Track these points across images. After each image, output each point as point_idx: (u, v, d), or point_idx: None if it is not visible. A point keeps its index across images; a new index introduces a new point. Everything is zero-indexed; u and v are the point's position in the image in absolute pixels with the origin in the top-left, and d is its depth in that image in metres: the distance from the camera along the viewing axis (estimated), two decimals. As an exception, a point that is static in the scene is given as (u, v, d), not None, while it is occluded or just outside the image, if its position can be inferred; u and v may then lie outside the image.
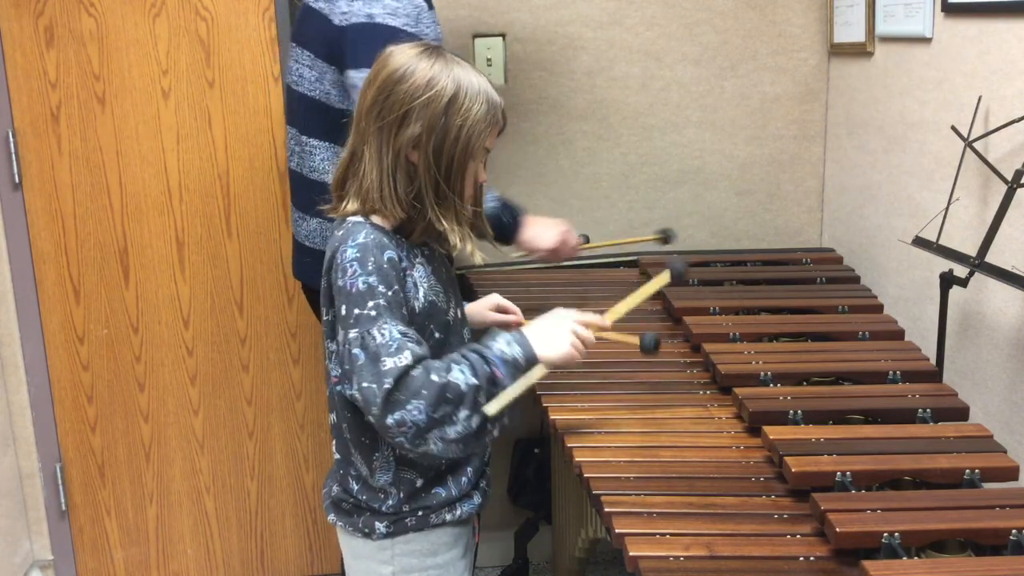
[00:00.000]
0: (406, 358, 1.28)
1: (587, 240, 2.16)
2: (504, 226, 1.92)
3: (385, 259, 1.33)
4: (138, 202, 2.48)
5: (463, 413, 1.30)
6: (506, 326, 1.62)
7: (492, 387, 1.33)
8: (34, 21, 2.37)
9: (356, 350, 1.29)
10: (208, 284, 2.55)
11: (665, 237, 2.24)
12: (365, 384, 1.28)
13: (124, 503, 2.64)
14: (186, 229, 2.51)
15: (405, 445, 1.30)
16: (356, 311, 1.30)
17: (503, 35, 2.46)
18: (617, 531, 1.29)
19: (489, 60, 2.46)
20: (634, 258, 2.39)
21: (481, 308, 1.66)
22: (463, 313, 1.54)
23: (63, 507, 2.61)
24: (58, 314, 2.51)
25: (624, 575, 1.33)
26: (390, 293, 1.32)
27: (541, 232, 1.98)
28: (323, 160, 1.95)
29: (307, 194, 2.02)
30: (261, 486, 2.68)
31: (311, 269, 2.08)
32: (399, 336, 1.29)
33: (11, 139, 2.41)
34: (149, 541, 2.67)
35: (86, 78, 2.41)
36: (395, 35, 1.76)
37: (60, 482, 2.59)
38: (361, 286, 1.31)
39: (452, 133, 1.34)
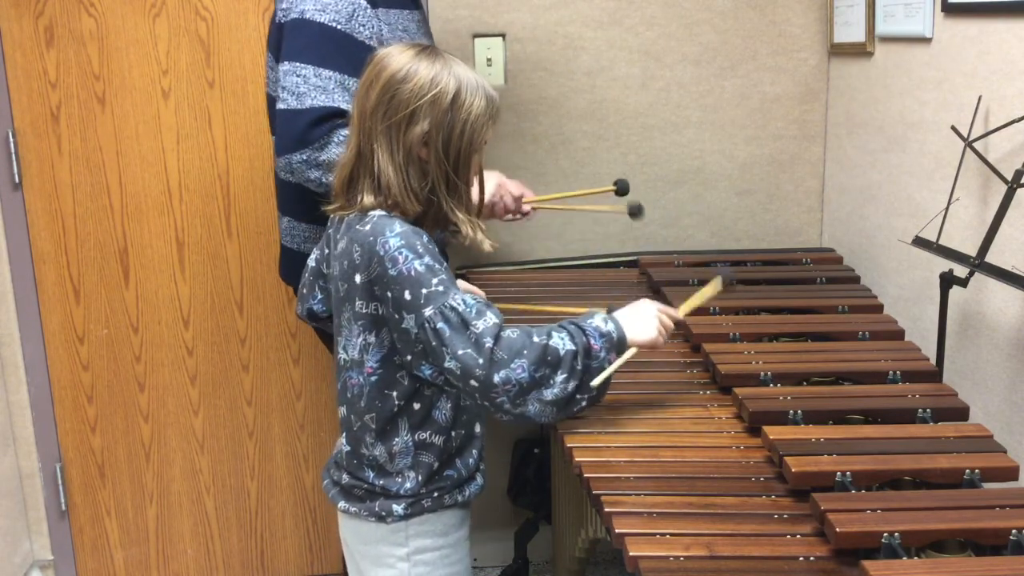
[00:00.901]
0: (492, 317, 1.37)
1: (636, 213, 2.12)
2: None
3: (425, 240, 1.39)
4: (138, 202, 2.48)
5: (561, 376, 1.38)
6: None
7: (587, 357, 1.41)
8: (34, 21, 2.37)
9: (440, 324, 1.35)
10: (208, 284, 2.55)
11: (633, 210, 2.15)
12: (461, 351, 1.34)
13: (124, 503, 2.64)
14: (186, 229, 2.51)
15: (505, 405, 1.37)
16: (424, 291, 1.36)
17: (503, 35, 2.46)
18: (617, 531, 1.29)
19: (489, 60, 2.46)
20: (634, 258, 2.39)
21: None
22: None
23: (63, 507, 2.61)
24: (58, 314, 2.51)
25: (624, 575, 1.33)
26: (444, 268, 1.39)
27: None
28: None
29: (278, 193, 2.07)
30: (261, 486, 2.68)
31: (287, 269, 2.13)
32: (474, 302, 1.37)
33: (11, 139, 2.41)
34: (149, 541, 2.67)
35: (86, 78, 2.41)
36: (323, 31, 1.79)
37: (60, 482, 2.59)
38: (420, 267, 1.36)
39: (458, 128, 1.41)
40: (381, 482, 1.49)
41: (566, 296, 2.16)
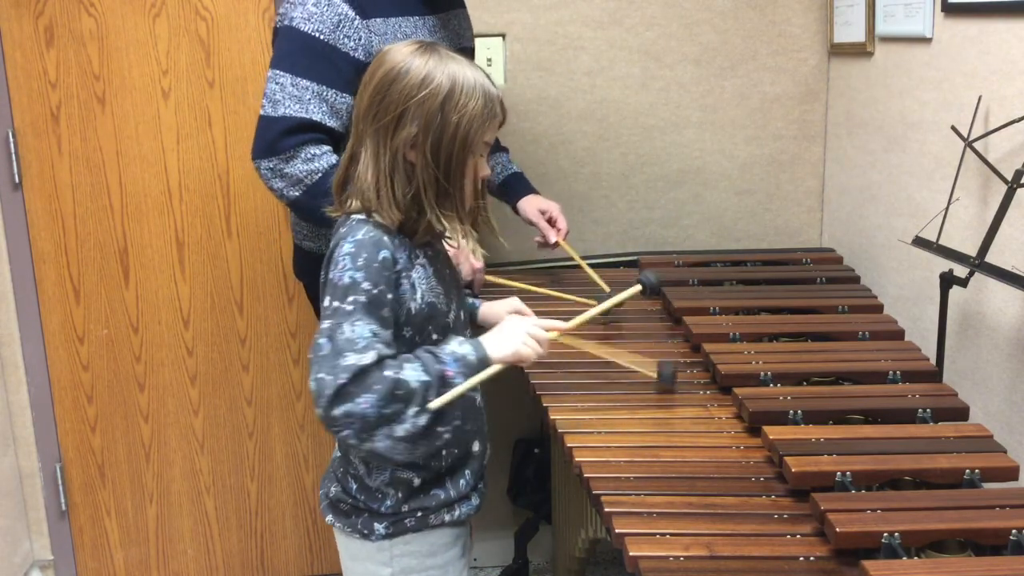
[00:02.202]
0: (369, 358, 1.28)
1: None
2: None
3: (379, 258, 1.33)
4: (138, 202, 2.48)
5: (412, 411, 1.30)
6: None
7: (443, 386, 1.33)
8: (34, 21, 2.37)
9: (323, 340, 1.29)
10: (208, 284, 2.55)
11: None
12: (321, 375, 1.27)
13: (124, 503, 2.64)
14: (186, 229, 2.51)
15: (351, 440, 1.29)
16: (335, 304, 1.31)
17: (503, 35, 2.46)
18: (617, 531, 1.29)
19: (489, 60, 2.46)
20: (634, 258, 2.39)
21: (500, 310, 1.64)
22: (466, 315, 1.54)
23: (63, 507, 2.61)
24: (58, 314, 2.51)
25: (624, 575, 1.33)
26: (374, 292, 1.31)
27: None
28: None
29: None
30: (261, 486, 2.68)
31: (296, 265, 2.15)
32: (369, 335, 1.29)
33: (11, 139, 2.41)
34: (149, 541, 2.67)
35: (86, 78, 2.41)
36: (305, 41, 1.78)
37: (60, 482, 2.59)
38: (347, 280, 1.31)
39: (449, 130, 1.34)
40: (363, 497, 1.44)
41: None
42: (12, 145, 2.41)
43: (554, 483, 2.39)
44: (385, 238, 1.35)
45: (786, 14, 2.48)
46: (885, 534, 1.20)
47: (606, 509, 1.34)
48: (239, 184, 2.50)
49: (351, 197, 1.39)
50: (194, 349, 2.57)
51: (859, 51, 2.31)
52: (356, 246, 1.33)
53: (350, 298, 1.30)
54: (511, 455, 2.59)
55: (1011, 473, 1.38)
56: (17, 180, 2.43)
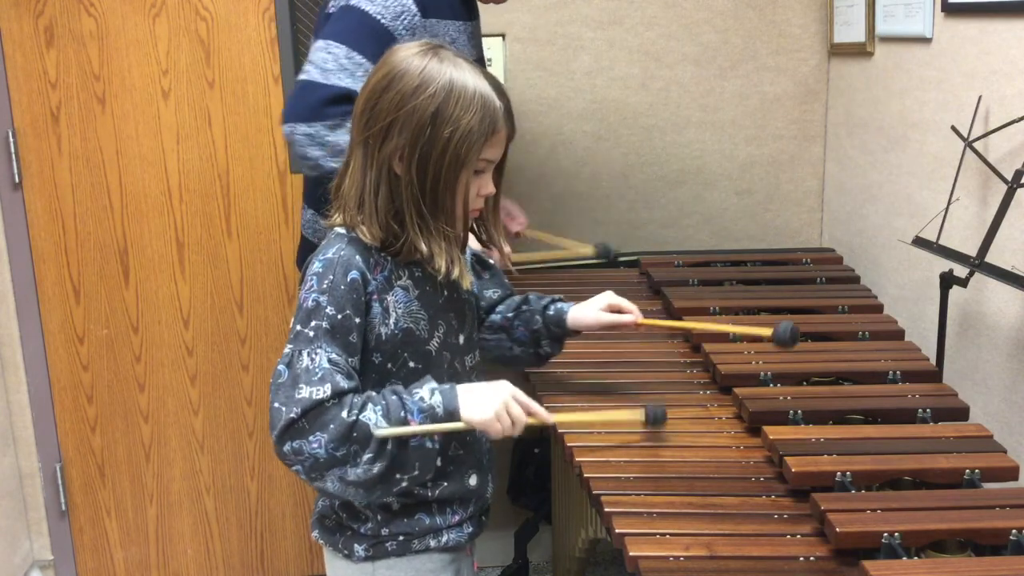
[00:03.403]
0: (324, 391, 1.21)
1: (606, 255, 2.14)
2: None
3: (347, 280, 1.26)
4: (138, 202, 2.48)
5: (367, 456, 1.22)
6: (615, 327, 1.55)
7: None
8: (34, 21, 2.37)
9: (282, 367, 1.24)
10: (208, 284, 2.55)
11: (603, 254, 2.13)
12: (276, 404, 1.23)
13: (124, 503, 2.64)
14: (186, 229, 2.51)
15: (302, 475, 1.24)
16: (298, 327, 1.25)
17: (503, 35, 2.46)
18: (617, 531, 1.29)
19: (489, 60, 2.46)
20: (634, 258, 2.38)
21: (592, 308, 1.54)
22: (466, 339, 1.44)
23: (63, 507, 2.61)
24: (58, 314, 2.51)
25: (624, 575, 1.33)
26: (339, 317, 1.24)
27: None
28: None
29: (304, 184, 2.07)
30: (261, 486, 2.68)
31: (302, 258, 2.11)
32: (327, 366, 1.22)
33: (11, 139, 2.41)
34: (149, 541, 2.67)
35: (86, 78, 2.41)
36: (365, 19, 1.76)
37: (60, 482, 2.59)
38: (311, 303, 1.25)
39: (439, 145, 1.24)
40: (345, 515, 1.38)
41: (566, 296, 2.15)
42: (12, 145, 2.41)
43: (554, 483, 2.39)
44: (357, 257, 1.28)
45: (786, 14, 2.48)
46: (885, 534, 1.20)
47: (606, 509, 1.34)
48: (239, 184, 2.50)
49: (337, 208, 1.33)
50: (194, 349, 2.57)
51: (859, 51, 2.31)
52: (324, 266, 1.27)
53: (312, 323, 1.24)
54: (511, 455, 2.59)
55: (1011, 473, 1.38)
56: (17, 180, 2.43)
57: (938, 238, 1.80)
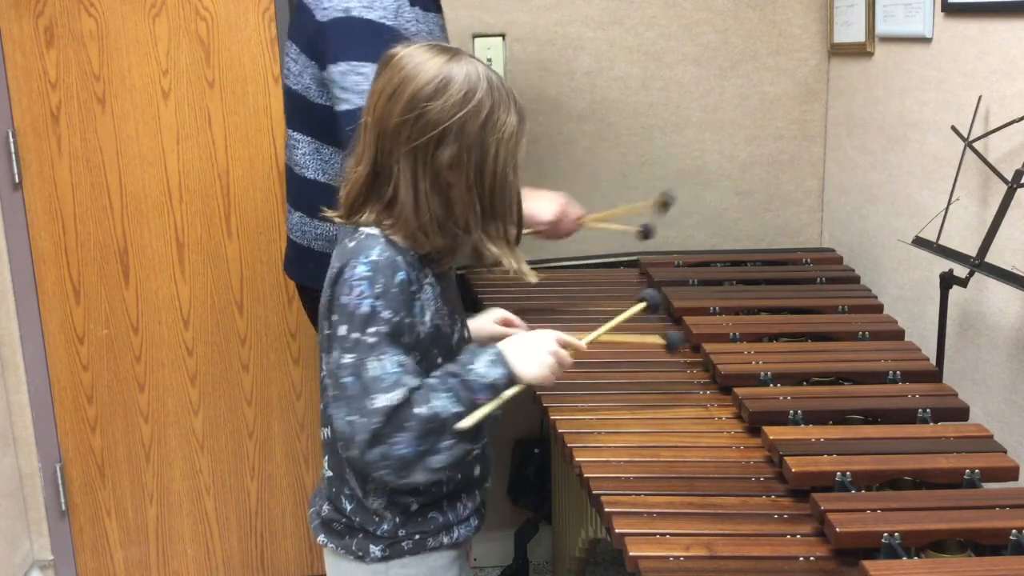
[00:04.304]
0: (398, 396, 1.24)
1: (666, 206, 2.05)
2: None
3: (396, 282, 1.26)
4: (138, 202, 2.48)
5: (447, 442, 1.26)
6: None
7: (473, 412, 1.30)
8: (34, 21, 2.37)
9: (349, 378, 1.24)
10: (208, 284, 2.55)
11: (665, 201, 2.09)
12: (352, 418, 1.24)
13: (124, 503, 2.64)
14: (186, 229, 2.51)
15: (388, 477, 1.27)
16: (355, 335, 1.24)
17: (503, 35, 2.46)
18: (617, 531, 1.29)
19: (489, 60, 2.46)
20: (634, 258, 2.39)
21: (486, 323, 1.58)
22: (468, 332, 1.48)
23: (63, 507, 2.61)
24: (58, 314, 2.51)
25: (624, 575, 1.33)
26: (395, 320, 1.25)
27: (540, 205, 1.90)
28: (304, 154, 1.94)
29: (291, 188, 2.03)
30: (261, 486, 2.68)
31: (293, 264, 2.10)
32: (395, 371, 1.24)
33: (11, 139, 2.41)
34: (149, 541, 2.67)
35: (86, 78, 2.41)
36: (372, 28, 1.75)
37: (60, 482, 2.59)
38: (366, 308, 1.24)
39: (492, 149, 1.26)
40: (359, 518, 1.39)
41: (566, 296, 2.16)
42: (12, 145, 2.41)
43: (554, 483, 2.39)
44: (399, 258, 1.28)
45: (786, 14, 2.48)
46: (885, 534, 1.20)
47: (606, 509, 1.34)
48: (239, 184, 2.50)
49: (369, 213, 1.31)
50: (194, 349, 2.57)
51: (859, 51, 2.31)
52: (372, 269, 1.25)
53: (371, 329, 1.24)
54: (511, 455, 2.59)
55: (1011, 473, 1.38)
56: (17, 180, 2.43)
57: (938, 238, 1.80)
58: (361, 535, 1.39)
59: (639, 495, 1.37)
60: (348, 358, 1.25)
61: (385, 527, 1.38)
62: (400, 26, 1.79)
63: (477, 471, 1.44)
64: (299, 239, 2.04)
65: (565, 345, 1.39)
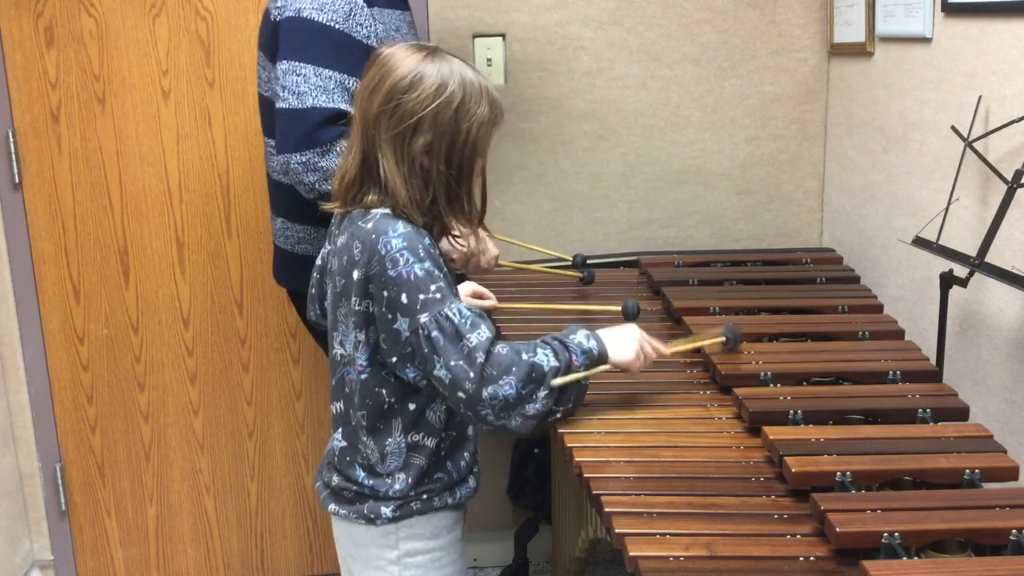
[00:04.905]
0: (485, 331, 1.37)
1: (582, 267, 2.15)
2: None
3: (427, 244, 1.39)
4: (138, 202, 2.48)
5: (543, 392, 1.40)
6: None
7: (567, 372, 1.44)
8: (34, 21, 2.37)
9: (435, 333, 1.35)
10: (208, 284, 2.55)
11: (583, 273, 2.17)
12: (453, 362, 1.35)
13: (124, 503, 2.64)
14: (186, 229, 2.51)
15: (489, 417, 1.38)
16: (422, 296, 1.35)
17: (503, 35, 2.46)
18: (617, 531, 1.29)
19: (489, 60, 2.46)
20: (634, 258, 2.39)
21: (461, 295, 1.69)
22: None
23: (63, 507, 2.61)
24: (58, 314, 2.51)
25: (624, 575, 1.33)
26: (443, 274, 1.39)
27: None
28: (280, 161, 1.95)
29: (271, 194, 2.07)
30: (261, 486, 2.68)
31: (281, 270, 2.13)
32: (469, 313, 1.38)
33: (11, 139, 2.41)
34: (149, 541, 2.67)
35: (86, 78, 2.41)
36: (321, 30, 1.78)
37: (60, 482, 2.59)
38: (420, 272, 1.36)
39: (461, 137, 1.39)
40: (370, 483, 1.48)
41: (565, 296, 2.16)
42: (12, 145, 2.41)
43: (554, 483, 2.39)
44: (417, 228, 1.41)
45: (786, 14, 2.48)
46: (885, 534, 1.20)
47: (606, 509, 1.34)
48: (239, 184, 2.50)
49: (368, 195, 1.43)
50: (194, 349, 2.57)
51: (859, 51, 2.31)
52: (406, 239, 1.37)
53: (432, 287, 1.36)
54: (511, 455, 2.59)
55: (1011, 473, 1.38)
56: (17, 180, 2.43)
57: (938, 238, 1.80)
58: (372, 499, 1.49)
59: (639, 495, 1.37)
60: (424, 317, 1.36)
61: (397, 487, 1.47)
62: (351, 29, 1.79)
63: (470, 430, 1.56)
64: (283, 244, 2.06)
65: (652, 345, 1.56)
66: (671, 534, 1.27)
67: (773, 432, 1.46)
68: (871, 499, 1.30)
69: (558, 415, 1.48)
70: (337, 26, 1.78)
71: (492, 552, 2.69)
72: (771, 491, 1.38)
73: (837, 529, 1.21)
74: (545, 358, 1.41)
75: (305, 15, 1.78)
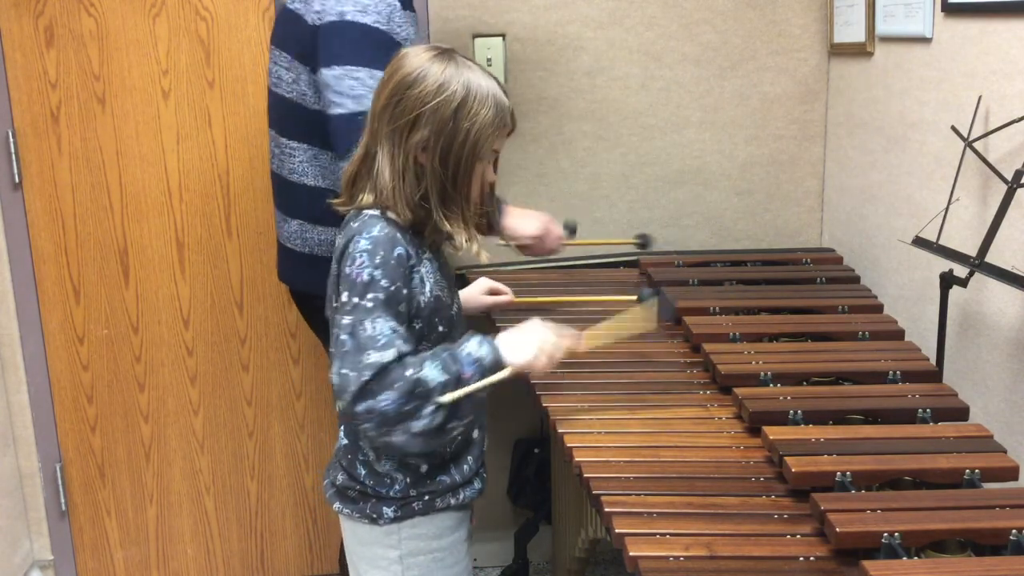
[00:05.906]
0: (390, 355, 1.33)
1: (573, 233, 2.11)
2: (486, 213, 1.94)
3: (394, 255, 1.37)
4: (138, 202, 2.48)
5: (428, 408, 1.34)
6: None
7: (458, 385, 1.37)
8: (34, 21, 2.37)
9: (345, 336, 1.34)
10: (208, 284, 2.55)
11: (642, 243, 2.21)
12: (345, 371, 1.33)
13: (124, 503, 2.64)
14: (186, 229, 2.51)
15: (370, 433, 1.36)
16: (355, 300, 1.35)
17: (503, 35, 2.46)
18: (617, 531, 1.29)
19: (489, 60, 2.46)
20: (634, 258, 2.39)
21: (475, 293, 1.76)
22: (460, 307, 1.59)
23: (63, 507, 2.61)
24: (58, 314, 2.51)
25: (624, 575, 1.33)
26: (392, 288, 1.36)
27: (524, 222, 1.96)
28: (302, 162, 1.95)
29: (287, 196, 2.03)
30: (261, 486, 2.68)
31: (292, 271, 2.10)
32: (389, 332, 1.34)
33: (11, 139, 2.41)
34: (149, 541, 2.67)
35: (86, 78, 2.41)
36: (366, 32, 1.77)
37: (60, 482, 2.59)
38: (365, 277, 1.35)
39: (460, 137, 1.38)
40: (372, 482, 1.49)
41: (566, 296, 2.16)
42: (12, 145, 2.41)
43: (554, 483, 2.39)
44: (398, 235, 1.40)
45: (786, 14, 2.48)
46: (885, 534, 1.20)
47: (606, 509, 1.34)
48: (239, 184, 2.50)
49: (364, 192, 1.43)
50: (194, 349, 2.57)
51: (859, 51, 2.31)
52: (373, 243, 1.37)
53: (369, 295, 1.35)
54: (511, 455, 2.59)
55: (1011, 473, 1.38)
56: (17, 180, 2.43)
57: (938, 238, 1.80)
58: (374, 499, 1.49)
59: (639, 495, 1.37)
60: (347, 319, 1.35)
61: (397, 488, 1.48)
62: (392, 31, 1.80)
63: (476, 433, 1.54)
64: (298, 247, 2.02)
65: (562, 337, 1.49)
66: (671, 534, 1.27)
67: (773, 432, 1.46)
68: (871, 499, 1.30)
69: (456, 432, 1.42)
70: (381, 27, 1.78)
71: (492, 552, 2.69)
72: (771, 491, 1.38)
73: (837, 529, 1.21)
74: (432, 372, 1.34)
75: (350, 18, 1.78)
